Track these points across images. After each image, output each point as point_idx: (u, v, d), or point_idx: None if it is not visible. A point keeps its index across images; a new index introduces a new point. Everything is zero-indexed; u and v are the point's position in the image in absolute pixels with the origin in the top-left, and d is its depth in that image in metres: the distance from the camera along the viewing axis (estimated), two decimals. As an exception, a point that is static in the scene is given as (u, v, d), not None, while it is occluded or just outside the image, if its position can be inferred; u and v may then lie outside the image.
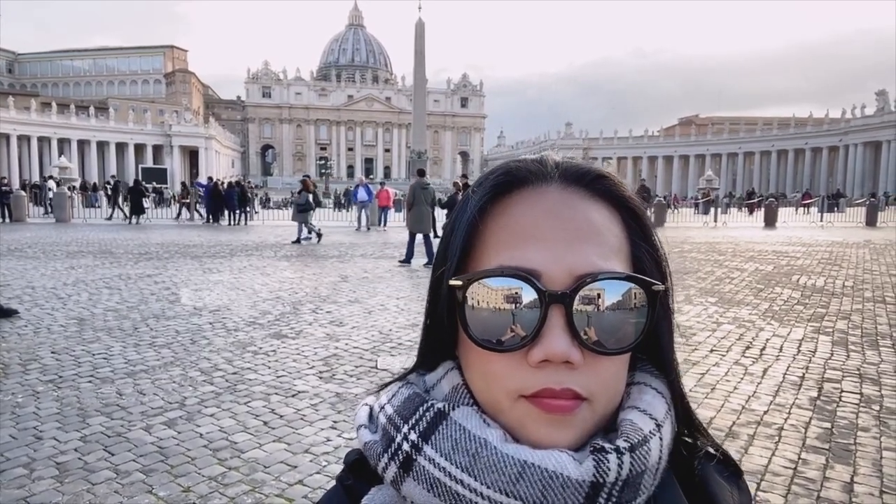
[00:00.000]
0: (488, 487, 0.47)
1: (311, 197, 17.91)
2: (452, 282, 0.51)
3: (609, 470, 0.47)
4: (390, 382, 0.60)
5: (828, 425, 4.18)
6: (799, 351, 6.05)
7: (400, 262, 13.09)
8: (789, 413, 4.39)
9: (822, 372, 5.38)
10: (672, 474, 0.54)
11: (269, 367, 5.40)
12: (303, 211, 17.58)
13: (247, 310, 7.85)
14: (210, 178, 30.40)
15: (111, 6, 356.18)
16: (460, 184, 15.13)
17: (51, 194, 27.43)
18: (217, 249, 15.45)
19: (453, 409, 0.52)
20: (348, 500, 0.55)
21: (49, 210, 28.11)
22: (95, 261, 12.38)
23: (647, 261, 0.54)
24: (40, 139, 69.06)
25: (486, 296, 0.50)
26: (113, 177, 38.27)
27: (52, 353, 5.76)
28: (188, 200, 30.04)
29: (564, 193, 0.53)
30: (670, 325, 0.57)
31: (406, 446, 0.50)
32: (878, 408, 4.52)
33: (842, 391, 4.89)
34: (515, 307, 0.49)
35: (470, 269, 0.53)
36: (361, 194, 23.46)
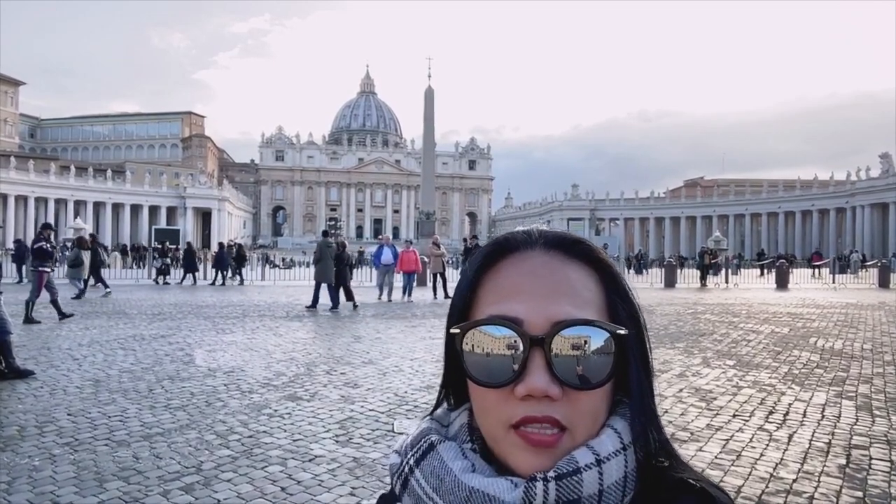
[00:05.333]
0: None
1: (82, 254, 18.45)
2: (452, 330, 0.62)
3: (535, 495, 0.56)
4: (431, 411, 0.72)
5: (860, 494, 4.06)
6: (823, 416, 5.93)
7: (307, 307, 15.58)
8: (819, 481, 4.27)
9: (849, 438, 5.26)
10: None
11: (285, 431, 5.34)
12: (73, 266, 18.21)
13: (261, 371, 7.82)
14: (220, 244, 30.67)
15: (131, 75, 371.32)
16: (346, 243, 19.24)
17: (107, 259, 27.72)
18: (229, 310, 15.50)
19: (441, 443, 0.64)
20: None
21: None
22: (110, 321, 12.45)
23: (621, 311, 0.63)
24: (57, 201, 70.58)
25: (480, 341, 0.60)
26: (233, 242, 38.42)
27: (69, 415, 5.74)
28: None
29: (546, 257, 0.64)
30: (643, 364, 0.64)
31: (406, 469, 0.63)
32: (910, 476, 4.39)
33: (871, 458, 4.77)
34: (510, 349, 0.59)
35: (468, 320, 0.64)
36: (387, 256, 18.71)
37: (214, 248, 48.81)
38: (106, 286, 19.71)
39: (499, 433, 0.60)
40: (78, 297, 17.47)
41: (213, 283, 25.93)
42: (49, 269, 12.65)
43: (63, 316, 12.50)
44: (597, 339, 0.59)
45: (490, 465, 0.62)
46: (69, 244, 35.01)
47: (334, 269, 16.27)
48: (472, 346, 0.60)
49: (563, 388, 0.58)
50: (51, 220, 69.33)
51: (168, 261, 27.54)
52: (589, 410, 0.60)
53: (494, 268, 0.65)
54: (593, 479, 0.57)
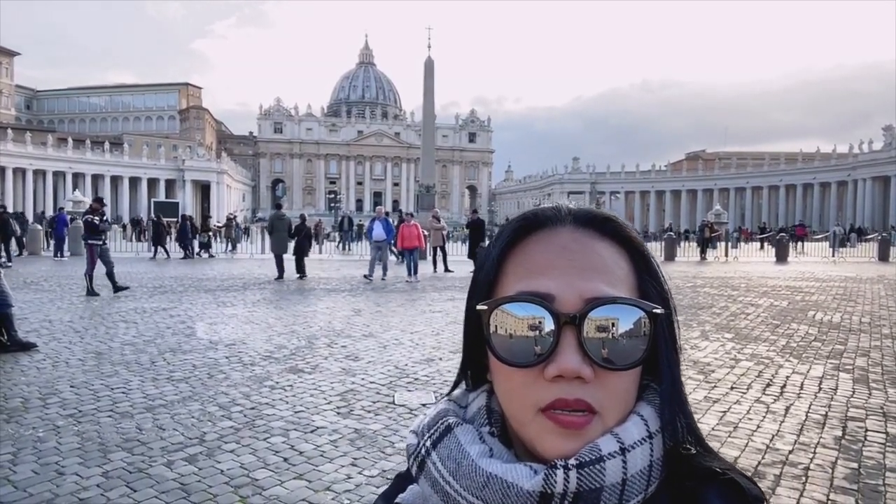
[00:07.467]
0: (465, 490, 0.57)
1: None
2: (479, 307, 0.60)
3: (556, 483, 0.54)
4: (449, 392, 0.70)
5: (855, 465, 4.12)
6: (820, 388, 5.98)
7: (276, 279, 16.31)
8: (815, 453, 4.33)
9: (846, 410, 5.31)
10: (667, 498, 0.58)
11: (287, 403, 5.39)
12: None
13: (262, 344, 7.87)
14: (183, 216, 28.96)
15: (127, 45, 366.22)
16: (305, 215, 19.61)
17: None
18: (230, 283, 15.54)
19: (459, 425, 0.62)
20: (395, 489, 0.69)
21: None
22: (111, 294, 12.47)
23: (651, 291, 0.62)
24: (55, 173, 70.18)
25: (508, 320, 0.58)
26: (232, 215, 38.95)
27: (72, 387, 5.78)
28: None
29: (576, 234, 0.62)
30: (672, 344, 0.62)
31: (423, 451, 0.61)
32: (905, 448, 4.44)
33: (867, 430, 4.82)
34: (533, 330, 0.56)
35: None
36: (378, 231, 17.06)
37: (218, 221, 48.66)
38: (9, 260, 19.31)
39: (526, 417, 0.58)
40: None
41: (184, 258, 25.12)
42: (99, 242, 12.66)
43: (118, 289, 12.53)
44: (630, 318, 0.57)
45: (508, 449, 0.61)
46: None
47: (290, 240, 17.11)
48: (497, 326, 0.58)
49: (594, 369, 0.56)
50: (49, 192, 69.25)
51: (210, 234, 27.55)
52: (620, 393, 0.58)
53: (522, 244, 0.63)
54: (617, 468, 0.55)
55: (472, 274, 0.67)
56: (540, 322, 0.56)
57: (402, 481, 0.69)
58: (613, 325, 0.56)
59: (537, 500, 0.54)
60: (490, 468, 0.57)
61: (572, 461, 0.55)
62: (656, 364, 0.61)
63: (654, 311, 0.58)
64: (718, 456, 0.62)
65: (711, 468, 0.59)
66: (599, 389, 0.56)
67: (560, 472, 0.54)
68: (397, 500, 0.66)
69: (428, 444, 0.62)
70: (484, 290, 0.63)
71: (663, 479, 0.59)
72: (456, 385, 0.70)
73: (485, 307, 0.59)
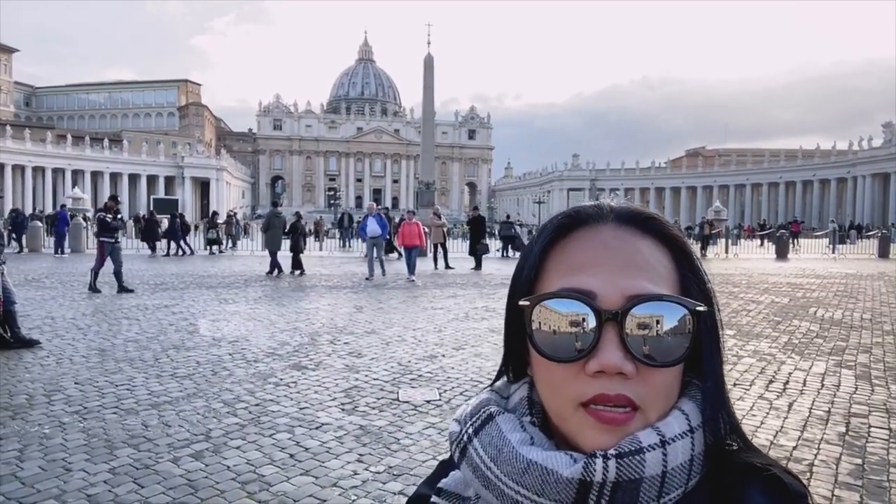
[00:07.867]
0: (505, 475, 0.58)
1: None
2: (522, 302, 0.61)
3: (595, 472, 0.55)
4: (492, 383, 0.72)
5: (859, 461, 4.13)
6: (823, 385, 6.00)
7: (267, 273, 16.83)
8: (819, 449, 4.35)
9: (848, 406, 5.33)
10: (708, 493, 0.58)
11: (292, 399, 5.41)
12: None
13: (265, 341, 7.88)
14: (172, 214, 28.35)
15: (125, 42, 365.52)
16: (301, 213, 20.35)
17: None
18: (231, 280, 15.54)
19: (500, 414, 0.63)
20: (438, 475, 0.71)
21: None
22: (112, 291, 12.48)
23: (693, 289, 0.62)
24: (54, 170, 70.09)
25: (551, 316, 0.58)
26: (232, 212, 39.70)
27: (76, 383, 5.79)
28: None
29: (617, 231, 0.62)
30: (716, 342, 0.63)
31: (465, 438, 0.63)
32: (908, 444, 4.46)
33: (870, 426, 4.84)
34: (575, 326, 0.57)
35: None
36: (372, 227, 16.26)
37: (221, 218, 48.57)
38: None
39: (567, 411, 0.58)
40: None
41: (167, 255, 24.86)
42: (111, 240, 12.63)
43: (122, 290, 12.43)
44: (673, 314, 0.57)
45: (549, 439, 0.62)
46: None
47: (285, 238, 17.44)
48: (539, 322, 0.59)
49: (636, 365, 0.56)
50: (49, 189, 69.15)
51: (217, 231, 27.54)
52: (662, 389, 0.58)
53: (563, 241, 0.63)
54: (657, 461, 0.55)
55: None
56: (582, 319, 0.57)
57: (445, 467, 0.71)
58: (658, 322, 0.57)
59: (576, 487, 0.55)
60: (530, 455, 0.58)
61: (612, 451, 0.55)
62: (698, 361, 0.61)
63: (698, 308, 0.58)
64: (761, 452, 0.62)
65: (753, 464, 0.59)
66: (641, 385, 0.57)
67: (599, 461, 0.55)
68: (439, 485, 0.68)
69: (470, 431, 0.63)
70: (525, 286, 0.64)
71: (704, 475, 0.59)
72: (498, 378, 0.72)
73: (527, 303, 0.60)
